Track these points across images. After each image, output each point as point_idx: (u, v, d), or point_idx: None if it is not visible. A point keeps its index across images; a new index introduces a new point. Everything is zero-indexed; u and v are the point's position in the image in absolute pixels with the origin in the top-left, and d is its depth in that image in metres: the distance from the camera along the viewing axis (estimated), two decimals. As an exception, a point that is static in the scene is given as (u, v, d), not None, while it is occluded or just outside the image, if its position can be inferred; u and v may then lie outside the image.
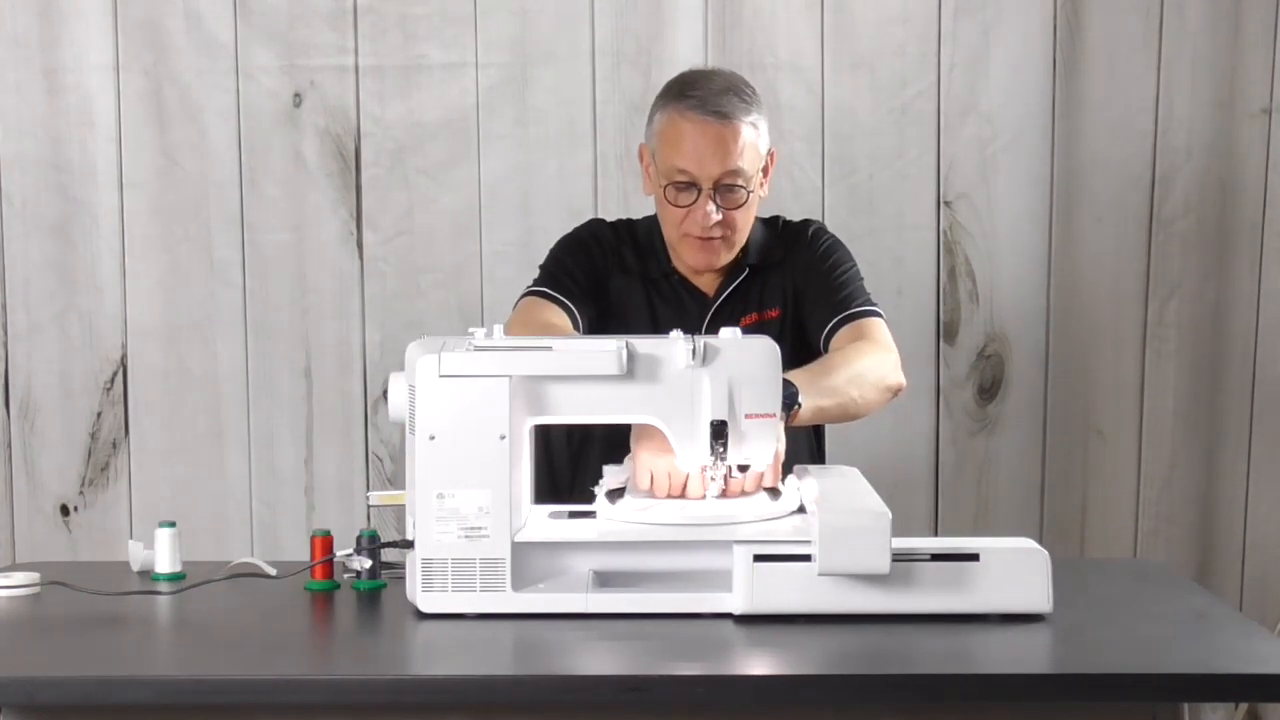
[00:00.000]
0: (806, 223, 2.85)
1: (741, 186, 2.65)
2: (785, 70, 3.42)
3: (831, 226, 3.40)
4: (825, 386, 2.52)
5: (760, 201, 2.72)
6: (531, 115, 3.43)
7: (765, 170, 2.71)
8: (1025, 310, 3.46)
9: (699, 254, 2.70)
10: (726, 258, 2.72)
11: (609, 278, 2.76)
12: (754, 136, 2.65)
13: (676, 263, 2.77)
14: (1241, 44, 3.40)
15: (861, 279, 2.79)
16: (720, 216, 2.65)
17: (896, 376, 2.66)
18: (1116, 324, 3.46)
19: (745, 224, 2.70)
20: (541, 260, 2.79)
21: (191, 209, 3.46)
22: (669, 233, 2.73)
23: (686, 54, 3.37)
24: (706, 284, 2.76)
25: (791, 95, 3.42)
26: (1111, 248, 3.45)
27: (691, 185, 2.64)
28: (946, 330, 3.47)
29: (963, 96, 3.42)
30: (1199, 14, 3.39)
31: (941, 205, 3.45)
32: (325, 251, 3.46)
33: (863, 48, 3.42)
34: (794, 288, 2.77)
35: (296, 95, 3.44)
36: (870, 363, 2.62)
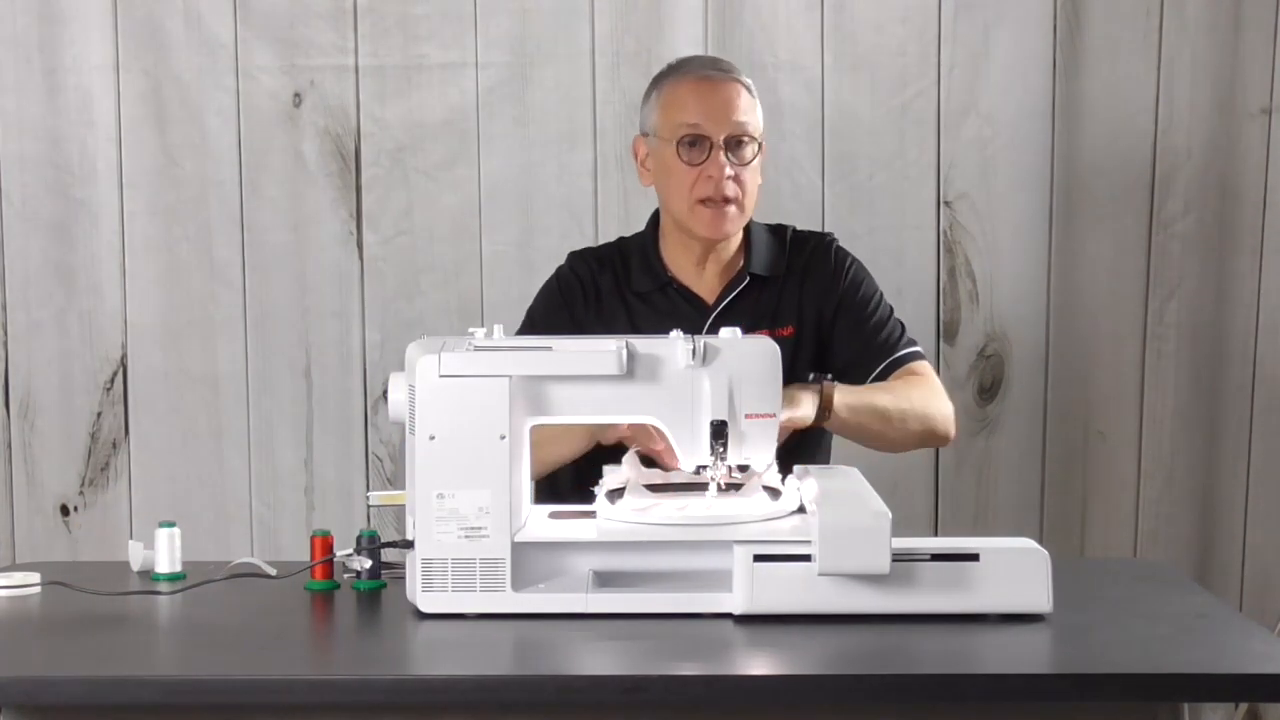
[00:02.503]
0: (824, 239, 2.82)
1: (752, 139, 2.67)
2: (785, 70, 3.42)
3: (831, 226, 3.42)
4: (872, 405, 2.61)
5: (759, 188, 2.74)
6: (531, 115, 3.43)
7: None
8: (1025, 310, 3.46)
9: (711, 222, 2.68)
10: (738, 224, 2.70)
11: (584, 325, 2.74)
12: (752, 102, 2.70)
13: (675, 270, 2.75)
14: (1241, 44, 3.40)
15: (892, 309, 2.79)
16: (734, 172, 2.65)
17: (947, 428, 2.71)
18: (1116, 324, 3.46)
19: (753, 190, 2.70)
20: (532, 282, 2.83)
21: (191, 209, 3.46)
22: (679, 204, 2.69)
23: (686, 54, 3.36)
24: (706, 291, 2.75)
25: (791, 95, 3.42)
26: (1111, 248, 3.45)
27: (702, 140, 2.66)
28: (946, 330, 3.47)
29: (963, 96, 3.42)
30: (1199, 14, 3.39)
31: (941, 205, 3.45)
32: (325, 251, 3.46)
33: (863, 48, 3.42)
34: (815, 310, 2.75)
35: (296, 95, 3.44)
36: (925, 403, 2.67)
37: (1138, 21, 3.40)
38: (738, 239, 2.76)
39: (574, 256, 2.83)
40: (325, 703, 1.91)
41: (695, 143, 2.66)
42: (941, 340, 3.46)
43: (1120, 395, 3.48)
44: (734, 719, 1.96)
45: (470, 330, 2.23)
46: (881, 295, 2.79)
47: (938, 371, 3.44)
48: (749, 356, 2.20)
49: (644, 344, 2.19)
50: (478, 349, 2.16)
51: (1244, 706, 3.24)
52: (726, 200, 2.66)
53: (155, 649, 2.09)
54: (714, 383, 2.18)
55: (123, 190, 3.46)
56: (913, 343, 2.77)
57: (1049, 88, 3.42)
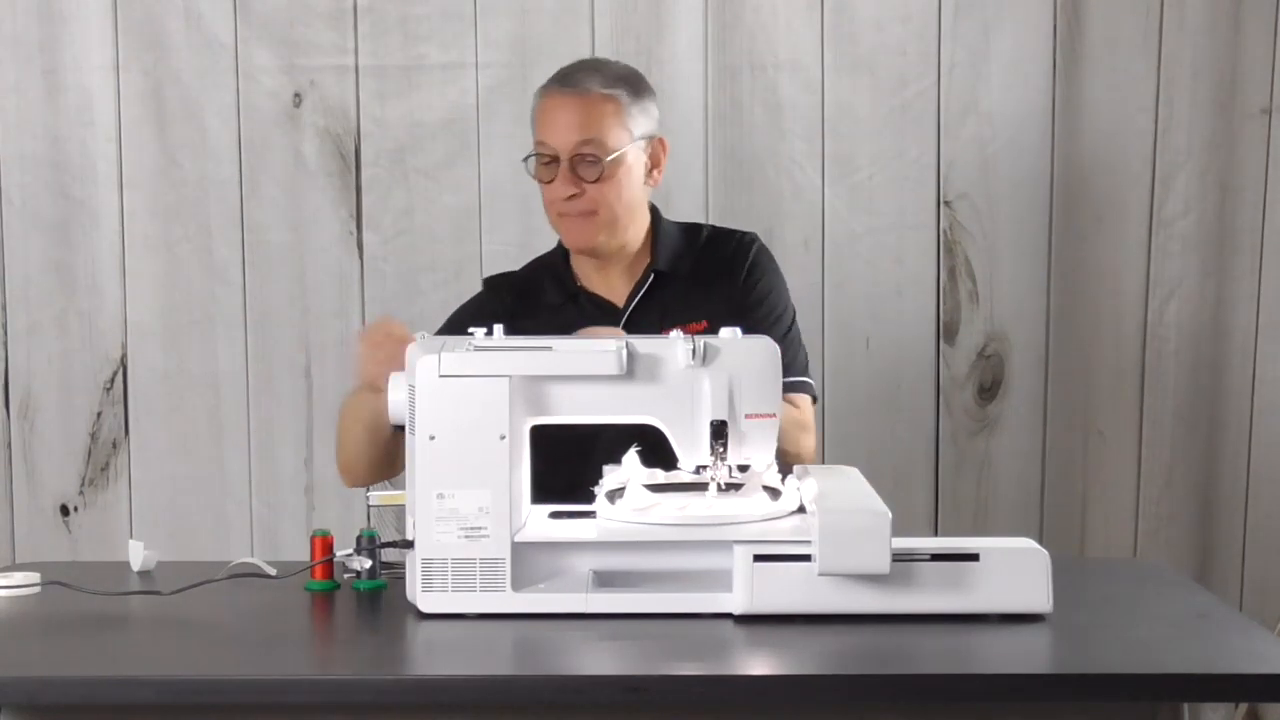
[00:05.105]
0: (744, 239, 2.81)
1: (596, 157, 2.67)
2: (785, 70, 3.42)
3: (831, 226, 3.42)
4: None
5: (649, 190, 2.76)
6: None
7: (655, 159, 2.75)
8: (1025, 310, 3.46)
9: (570, 231, 2.73)
10: (603, 238, 2.72)
11: None
12: (617, 112, 2.68)
13: (583, 279, 2.78)
14: (1241, 44, 3.40)
15: (791, 330, 2.76)
16: (578, 191, 2.68)
17: (805, 464, 2.65)
18: (1116, 324, 3.46)
19: (614, 200, 2.69)
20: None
21: (191, 209, 3.46)
22: (550, 216, 2.75)
23: (686, 54, 3.37)
24: (616, 295, 2.77)
25: (791, 95, 3.42)
26: (1111, 248, 3.45)
27: (554, 160, 2.68)
28: (946, 330, 3.47)
29: (963, 96, 3.42)
30: (1199, 14, 3.39)
31: (941, 205, 3.45)
32: (325, 251, 3.46)
33: (863, 48, 3.42)
34: (723, 308, 2.69)
35: (296, 95, 3.44)
36: (785, 433, 2.51)
37: (1138, 21, 3.40)
38: (638, 239, 2.78)
39: (487, 284, 2.87)
40: (325, 703, 1.91)
41: (547, 160, 2.70)
42: (941, 340, 3.46)
43: (1120, 395, 3.47)
44: (734, 719, 1.96)
45: (470, 330, 2.23)
46: (791, 313, 2.78)
47: (936, 372, 3.46)
48: (749, 356, 2.20)
49: (644, 344, 2.19)
50: (478, 349, 2.16)
51: (1244, 706, 3.24)
52: (584, 213, 2.69)
53: (155, 649, 2.09)
54: (714, 383, 2.18)
55: (123, 190, 3.46)
56: (804, 372, 2.75)
57: (1049, 88, 3.42)
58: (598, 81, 2.70)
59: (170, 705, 1.91)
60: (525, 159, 2.73)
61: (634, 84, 2.74)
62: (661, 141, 2.77)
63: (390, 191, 3.45)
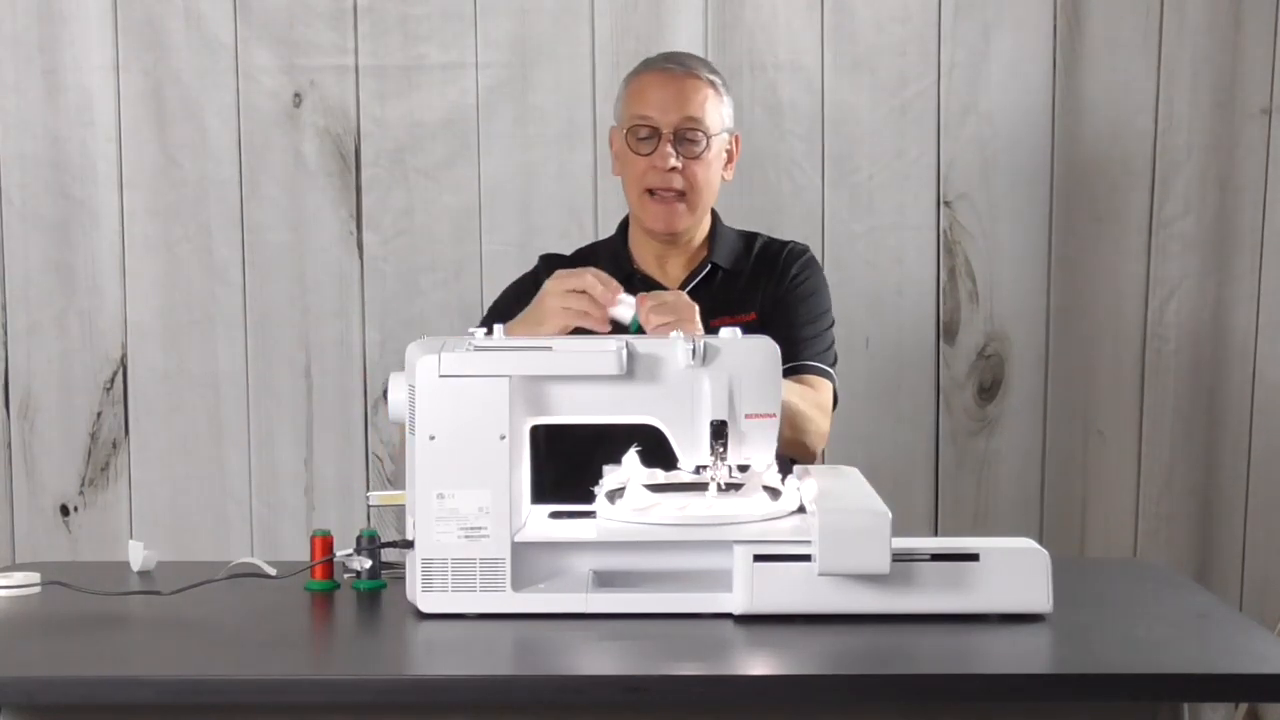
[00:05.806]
0: (797, 246, 2.85)
1: (701, 134, 2.73)
2: (785, 70, 3.42)
3: (831, 226, 3.42)
4: None
5: (722, 182, 2.80)
6: (531, 115, 3.43)
7: (730, 154, 2.81)
8: (1025, 310, 3.46)
9: (659, 214, 2.75)
10: (686, 220, 2.76)
11: None
12: (716, 98, 2.76)
13: (641, 263, 2.82)
14: (1241, 44, 3.40)
15: (827, 331, 2.79)
16: (679, 164, 2.72)
17: (816, 444, 2.68)
18: (1116, 324, 3.46)
19: (704, 184, 2.76)
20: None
21: (191, 209, 3.46)
22: (632, 194, 2.79)
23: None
24: (670, 282, 2.81)
25: (791, 95, 3.42)
26: (1111, 248, 3.45)
27: (652, 133, 2.73)
28: (946, 330, 3.47)
29: (963, 96, 3.42)
30: (1199, 14, 3.39)
31: (941, 205, 3.45)
32: (325, 251, 3.46)
33: (863, 48, 3.42)
34: (769, 305, 2.78)
35: (296, 95, 3.44)
36: (807, 410, 2.62)
37: (1138, 21, 3.40)
38: (702, 233, 2.83)
39: (545, 259, 2.89)
40: (325, 703, 1.91)
41: (647, 134, 2.74)
42: (941, 340, 3.46)
43: (1120, 395, 3.47)
44: (734, 719, 1.96)
45: (470, 330, 2.23)
46: (830, 319, 2.82)
47: (936, 372, 3.46)
48: (749, 356, 2.20)
49: (644, 344, 2.19)
50: (478, 349, 2.16)
51: (1244, 706, 3.24)
52: (675, 194, 2.74)
53: (155, 649, 2.08)
54: (714, 383, 2.18)
55: (123, 190, 3.46)
56: (826, 360, 2.77)
57: (1049, 88, 3.42)
58: (701, 66, 2.79)
59: (170, 705, 1.91)
60: (625, 130, 2.76)
61: (724, 78, 2.82)
62: (738, 138, 2.83)
63: (390, 191, 3.45)
